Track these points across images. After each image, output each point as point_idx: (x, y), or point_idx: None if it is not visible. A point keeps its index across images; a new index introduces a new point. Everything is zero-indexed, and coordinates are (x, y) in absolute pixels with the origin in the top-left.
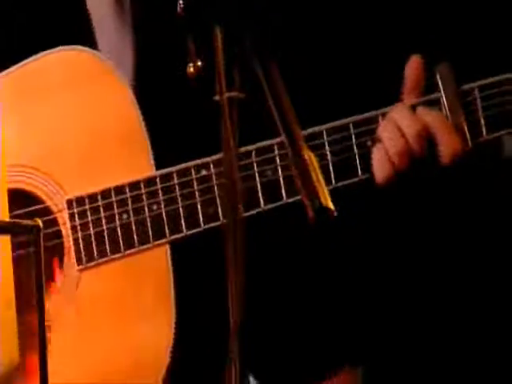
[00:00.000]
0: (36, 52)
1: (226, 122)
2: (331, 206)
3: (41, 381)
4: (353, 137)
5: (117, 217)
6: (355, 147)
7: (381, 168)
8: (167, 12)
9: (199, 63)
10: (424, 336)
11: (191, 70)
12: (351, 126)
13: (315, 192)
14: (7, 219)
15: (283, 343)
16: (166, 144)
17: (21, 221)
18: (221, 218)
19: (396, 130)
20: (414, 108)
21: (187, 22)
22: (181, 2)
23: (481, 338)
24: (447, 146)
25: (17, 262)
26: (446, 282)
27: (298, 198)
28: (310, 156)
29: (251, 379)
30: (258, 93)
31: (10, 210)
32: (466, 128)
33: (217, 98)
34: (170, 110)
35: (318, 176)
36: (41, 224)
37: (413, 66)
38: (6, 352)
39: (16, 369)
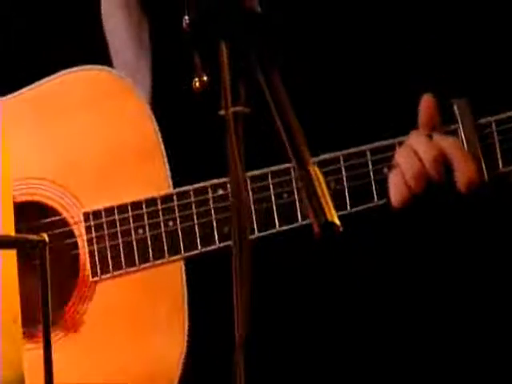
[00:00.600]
0: (53, 72)
1: (232, 137)
2: (337, 221)
3: None
4: (369, 163)
5: (133, 231)
6: (372, 173)
7: (397, 191)
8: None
9: (205, 78)
10: (424, 335)
11: (197, 84)
12: (368, 152)
13: (321, 207)
14: (13, 234)
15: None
16: (183, 160)
17: (27, 236)
18: None
19: (413, 154)
20: (430, 136)
21: (193, 38)
22: (186, 17)
23: (481, 337)
24: (463, 173)
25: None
26: (450, 296)
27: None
28: (315, 171)
29: None
30: (263, 108)
31: (27, 221)
32: (482, 159)
33: (222, 112)
34: (187, 128)
35: (324, 191)
36: (47, 239)
37: (425, 106)
38: (9, 365)
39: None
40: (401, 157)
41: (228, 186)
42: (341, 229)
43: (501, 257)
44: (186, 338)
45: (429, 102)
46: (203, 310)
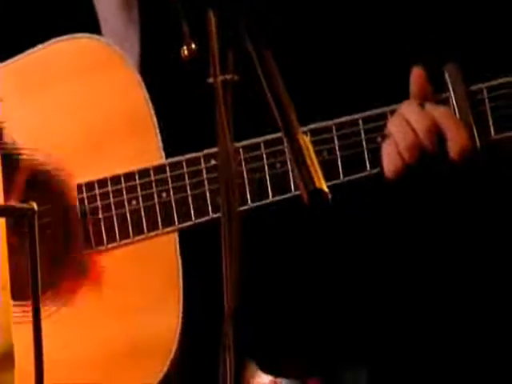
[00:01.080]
0: (42, 40)
1: (220, 105)
2: (325, 188)
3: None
4: (362, 132)
5: (126, 203)
6: (364, 142)
7: (390, 162)
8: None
9: (193, 46)
10: (425, 335)
11: (185, 53)
12: (361, 121)
13: (310, 175)
14: (1, 202)
15: (286, 336)
16: (175, 130)
17: (15, 204)
18: None
19: (405, 124)
20: (422, 105)
21: (181, 6)
22: None
23: (481, 337)
24: (456, 142)
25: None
26: (448, 279)
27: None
28: (304, 140)
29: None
30: (252, 76)
31: (24, 193)
32: (474, 127)
33: (211, 80)
34: (177, 97)
35: (312, 159)
36: (35, 207)
37: (415, 78)
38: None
39: (9, 352)
40: (393, 126)
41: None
42: (329, 196)
43: (494, 227)
44: (181, 310)
45: (419, 73)
46: (196, 282)
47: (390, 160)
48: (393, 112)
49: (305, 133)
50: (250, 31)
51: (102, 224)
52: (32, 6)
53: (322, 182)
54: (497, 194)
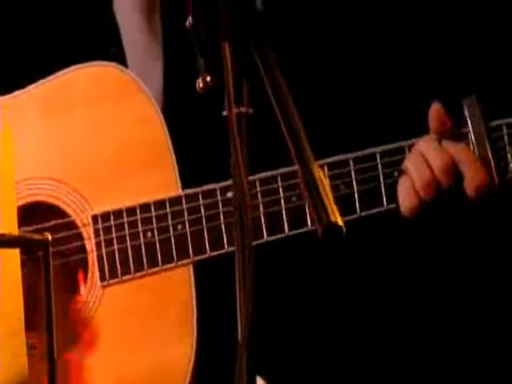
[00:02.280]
0: (67, 66)
1: (235, 138)
2: (340, 222)
3: None
4: (379, 167)
5: (141, 234)
6: (381, 177)
7: (407, 199)
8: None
9: (208, 79)
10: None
11: (200, 85)
12: (378, 155)
13: (324, 208)
14: (16, 233)
15: (295, 352)
16: (191, 162)
17: (31, 235)
18: None
19: (422, 161)
20: (440, 141)
21: (196, 38)
22: (190, 18)
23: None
24: (473, 180)
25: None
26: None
27: None
28: (319, 173)
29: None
30: (266, 109)
31: (34, 223)
32: (492, 163)
33: (225, 113)
34: (195, 128)
35: (327, 193)
36: (50, 238)
37: (434, 114)
38: (15, 363)
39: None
40: (410, 163)
41: None
42: (344, 230)
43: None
44: (195, 343)
45: (437, 109)
46: (210, 312)
47: (406, 197)
48: (411, 147)
49: (321, 166)
50: (264, 63)
51: (117, 255)
52: (60, 35)
53: (337, 215)
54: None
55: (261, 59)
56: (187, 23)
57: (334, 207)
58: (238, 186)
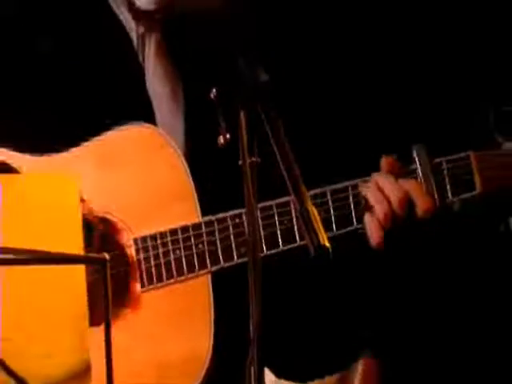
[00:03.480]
0: (112, 125)
1: (248, 182)
2: (327, 244)
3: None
4: (350, 196)
5: (171, 252)
6: (352, 204)
7: (374, 233)
8: (207, 99)
9: (228, 136)
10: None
11: (221, 141)
12: (350, 188)
13: (316, 234)
14: (82, 253)
15: (301, 344)
16: (209, 196)
17: (92, 255)
18: None
19: (381, 195)
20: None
21: (218, 105)
22: (214, 90)
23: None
24: (422, 207)
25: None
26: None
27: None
28: (312, 207)
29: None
30: (273, 160)
31: (95, 244)
32: (436, 193)
33: (240, 162)
34: (211, 172)
35: (318, 223)
36: (107, 257)
37: (385, 164)
38: (75, 352)
39: (86, 371)
40: (371, 195)
41: (243, 215)
42: (330, 249)
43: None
44: (212, 332)
45: (388, 160)
46: (225, 313)
47: (373, 231)
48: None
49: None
50: (272, 126)
51: (153, 268)
52: (101, 100)
53: (325, 239)
54: (453, 240)
55: (267, 121)
56: (211, 94)
57: (323, 232)
58: (250, 216)
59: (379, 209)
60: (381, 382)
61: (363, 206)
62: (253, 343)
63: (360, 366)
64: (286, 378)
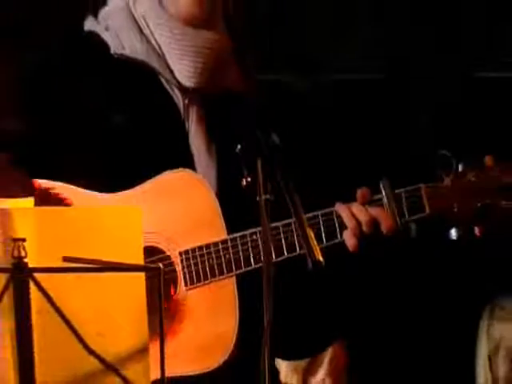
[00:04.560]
0: (159, 170)
1: (263, 213)
2: (322, 259)
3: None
4: (335, 219)
5: (206, 260)
6: (336, 224)
7: (349, 241)
8: (233, 153)
9: (249, 179)
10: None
11: (244, 183)
12: (334, 212)
13: (312, 250)
14: (142, 263)
15: (289, 329)
16: (232, 221)
17: (150, 265)
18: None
19: (354, 219)
20: (364, 204)
21: (242, 157)
22: (239, 146)
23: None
24: (385, 227)
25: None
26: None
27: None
28: (309, 229)
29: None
30: (281, 195)
31: (146, 257)
32: (397, 217)
33: (257, 198)
34: (236, 205)
35: (313, 242)
36: (161, 266)
37: (360, 194)
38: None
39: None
40: (348, 221)
41: (257, 233)
42: (323, 263)
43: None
44: (237, 323)
45: (362, 191)
46: (245, 304)
47: (348, 240)
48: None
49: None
50: (281, 173)
51: (194, 272)
52: (147, 151)
53: (319, 254)
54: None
55: (277, 169)
56: (237, 149)
57: (318, 249)
58: (264, 235)
59: (351, 226)
60: (345, 364)
61: (342, 225)
62: (267, 330)
63: (330, 350)
64: (289, 359)
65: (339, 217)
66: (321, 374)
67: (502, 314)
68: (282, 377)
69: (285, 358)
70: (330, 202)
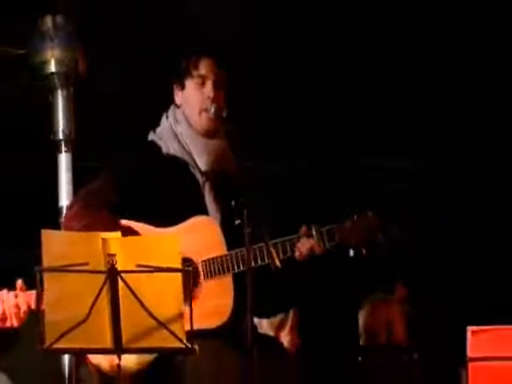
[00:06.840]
0: (189, 216)
1: (247, 242)
2: (279, 264)
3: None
4: (288, 242)
5: (215, 265)
6: (288, 246)
7: (297, 254)
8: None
9: (239, 220)
10: None
11: (236, 223)
12: (288, 240)
13: (273, 259)
14: (180, 267)
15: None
16: (230, 245)
17: (185, 268)
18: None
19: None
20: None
21: (235, 212)
22: (237, 221)
23: None
24: (317, 251)
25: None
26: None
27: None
28: (273, 251)
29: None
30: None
31: (183, 264)
32: (321, 243)
33: (244, 231)
34: (231, 236)
35: (274, 255)
36: (190, 269)
37: (303, 230)
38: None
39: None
40: (300, 246)
41: (244, 251)
42: (280, 266)
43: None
44: (232, 299)
45: (303, 229)
46: (237, 288)
47: (299, 254)
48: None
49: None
50: (259, 220)
51: (208, 272)
52: (170, 201)
53: (277, 261)
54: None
55: (257, 218)
56: (236, 223)
57: (277, 259)
58: (247, 253)
59: (300, 247)
60: (297, 323)
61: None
62: (249, 300)
63: (291, 313)
64: (261, 317)
65: (295, 241)
66: (287, 328)
67: None
68: (263, 330)
69: (262, 316)
70: (286, 233)
